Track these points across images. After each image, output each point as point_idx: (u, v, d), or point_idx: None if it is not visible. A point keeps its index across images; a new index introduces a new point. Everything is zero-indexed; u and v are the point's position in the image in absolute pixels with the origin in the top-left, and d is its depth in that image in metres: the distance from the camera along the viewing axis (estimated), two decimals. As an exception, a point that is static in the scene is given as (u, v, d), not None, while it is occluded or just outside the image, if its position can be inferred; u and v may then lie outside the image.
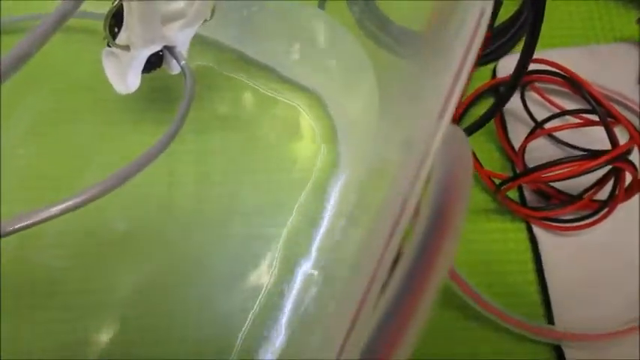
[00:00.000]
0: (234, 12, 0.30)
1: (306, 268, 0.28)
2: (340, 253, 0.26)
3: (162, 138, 0.23)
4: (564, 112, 0.29)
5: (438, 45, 0.17)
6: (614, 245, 0.30)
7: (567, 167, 0.26)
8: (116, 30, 0.25)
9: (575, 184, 0.30)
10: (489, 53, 0.34)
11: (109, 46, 0.26)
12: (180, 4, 0.25)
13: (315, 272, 0.28)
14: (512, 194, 0.31)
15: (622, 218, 0.29)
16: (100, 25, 0.25)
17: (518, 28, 0.34)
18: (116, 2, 0.24)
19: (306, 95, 0.31)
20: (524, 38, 0.34)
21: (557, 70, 0.28)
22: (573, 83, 0.27)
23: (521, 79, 0.23)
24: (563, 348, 0.28)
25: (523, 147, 0.30)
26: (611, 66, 0.34)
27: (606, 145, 0.27)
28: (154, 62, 0.26)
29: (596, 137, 0.30)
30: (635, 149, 0.26)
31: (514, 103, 0.31)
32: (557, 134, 0.31)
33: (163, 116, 0.31)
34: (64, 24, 0.19)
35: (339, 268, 0.24)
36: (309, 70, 0.30)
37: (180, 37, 0.26)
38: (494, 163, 0.32)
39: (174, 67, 0.27)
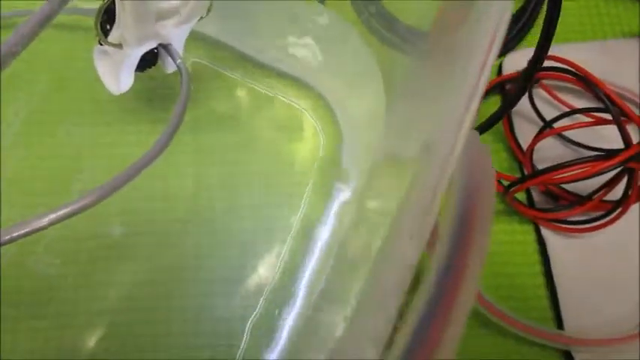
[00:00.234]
0: (231, 7, 0.29)
1: (308, 274, 0.27)
2: (347, 257, 0.25)
3: (159, 139, 0.22)
4: (575, 111, 0.28)
5: (453, 45, 0.16)
6: (625, 247, 0.29)
7: (580, 168, 0.25)
8: (108, 27, 0.24)
9: (583, 185, 0.29)
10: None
11: (101, 44, 0.25)
12: (176, 1, 0.24)
13: (318, 278, 0.27)
14: (520, 195, 0.31)
15: (633, 219, 0.28)
16: (91, 22, 0.24)
17: (523, 23, 0.33)
18: (108, -2, 0.23)
19: (306, 94, 0.29)
20: (531, 34, 0.34)
21: (568, 67, 0.27)
22: (585, 80, 0.26)
23: (534, 76, 0.22)
24: (572, 353, 0.28)
25: (531, 148, 0.29)
26: (619, 62, 0.33)
27: (614, 144, 0.26)
28: (148, 60, 0.25)
29: (603, 136, 0.30)
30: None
31: (521, 101, 0.30)
32: (565, 133, 0.30)
33: (159, 116, 0.29)
34: (50, 22, 0.18)
35: (346, 275, 0.24)
36: (311, 67, 0.29)
37: (176, 34, 0.25)
38: (502, 164, 0.31)
39: (169, 65, 0.26)
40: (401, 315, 0.12)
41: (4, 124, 0.29)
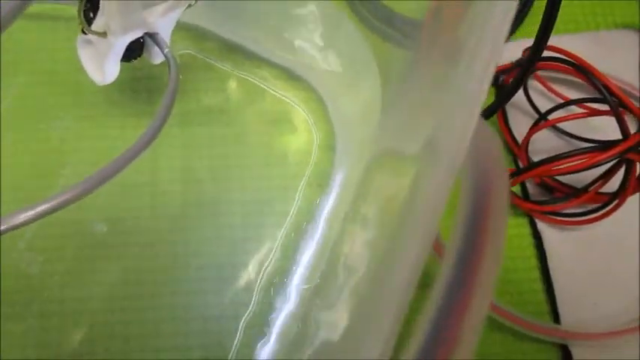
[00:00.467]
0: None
1: (301, 271, 0.26)
2: (343, 254, 0.24)
3: (146, 132, 0.22)
4: (572, 102, 0.28)
5: (453, 43, 0.15)
6: (621, 239, 0.29)
7: (577, 160, 0.25)
8: (92, 15, 0.23)
9: (578, 177, 0.29)
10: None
11: (85, 33, 0.24)
12: (163, -13, 0.23)
13: (312, 275, 0.26)
14: (515, 187, 0.30)
15: (628, 211, 0.28)
16: (73, 11, 0.23)
17: (518, 13, 0.33)
18: (91, -16, 0.22)
19: (298, 86, 0.29)
20: (524, 24, 0.33)
21: (566, 57, 0.26)
22: (583, 71, 0.26)
23: (533, 67, 0.22)
24: (569, 347, 0.27)
25: (527, 140, 0.28)
26: (612, 53, 0.33)
27: (607, 135, 0.26)
28: (134, 50, 0.24)
29: (596, 127, 0.29)
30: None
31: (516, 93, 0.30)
32: (560, 125, 0.30)
33: (145, 108, 0.28)
34: (24, 10, 0.17)
35: (342, 272, 0.23)
36: (303, 59, 0.28)
37: (163, 22, 0.24)
38: (496, 156, 0.31)
39: (156, 56, 0.25)
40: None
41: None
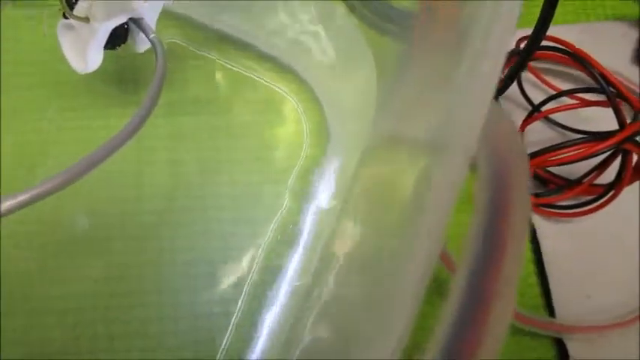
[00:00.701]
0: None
1: (293, 267, 0.26)
2: (337, 250, 0.23)
3: (131, 121, 0.21)
4: (566, 92, 0.28)
5: (453, 40, 0.15)
6: (615, 232, 0.29)
7: (574, 150, 0.24)
8: (74, -1, 0.22)
9: (570, 169, 0.28)
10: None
11: (66, 17, 0.23)
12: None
13: (305, 271, 0.25)
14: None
15: (622, 203, 0.28)
16: (54, -3, 0.22)
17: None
18: (73, -34, 0.21)
19: (289, 77, 0.28)
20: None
21: (563, 47, 0.26)
22: (580, 60, 0.25)
23: (532, 56, 0.21)
24: (565, 341, 0.27)
25: (521, 132, 0.28)
26: (603, 44, 0.33)
27: (601, 126, 0.25)
28: (118, 36, 0.23)
29: (587, 118, 0.29)
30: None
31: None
32: (553, 116, 0.30)
33: (129, 98, 0.27)
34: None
35: (336, 268, 0.22)
36: (295, 49, 0.27)
37: (148, 7, 0.23)
38: (489, 148, 0.30)
39: (141, 43, 0.24)
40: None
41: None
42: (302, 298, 0.24)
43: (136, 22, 0.23)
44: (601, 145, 0.23)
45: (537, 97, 0.30)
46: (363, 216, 0.22)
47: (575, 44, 0.28)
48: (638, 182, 0.26)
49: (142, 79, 0.28)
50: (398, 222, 0.16)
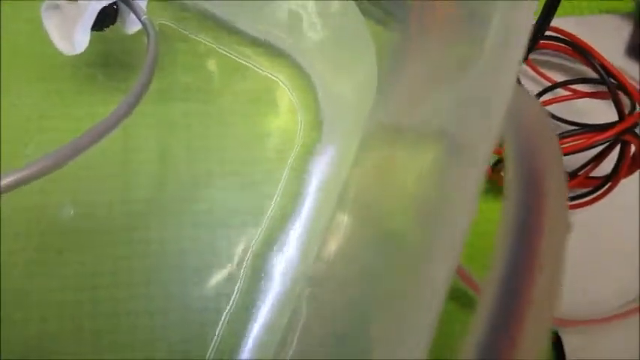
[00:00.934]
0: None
1: (287, 259, 0.25)
2: (334, 243, 0.23)
3: (121, 105, 0.20)
4: (562, 84, 0.27)
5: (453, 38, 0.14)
6: (610, 225, 0.29)
7: (573, 141, 0.24)
8: (60, -24, 0.21)
9: (565, 162, 0.28)
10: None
11: (51, -5, 0.21)
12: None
13: (300, 264, 0.24)
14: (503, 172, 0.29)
15: (617, 195, 0.28)
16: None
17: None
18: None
19: (284, 63, 0.27)
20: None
21: (564, 37, 0.26)
22: (581, 51, 0.25)
23: (536, 45, 0.21)
24: (560, 334, 0.27)
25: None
26: (597, 37, 0.33)
27: (594, 118, 0.25)
28: (106, 17, 0.22)
29: (579, 110, 0.29)
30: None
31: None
32: (549, 109, 0.29)
33: (117, 85, 0.26)
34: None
35: (334, 263, 0.21)
36: (292, 35, 0.27)
37: (139, -13, 0.22)
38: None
39: (131, 24, 0.23)
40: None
41: None
42: (299, 291, 0.24)
43: (126, 1, 0.22)
44: (601, 136, 0.23)
45: (532, 90, 0.29)
46: (356, 210, 0.22)
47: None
48: (635, 175, 0.26)
49: (130, 64, 0.26)
50: (397, 218, 0.15)
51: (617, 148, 0.25)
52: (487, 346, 0.08)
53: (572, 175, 0.28)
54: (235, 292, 0.24)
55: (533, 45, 0.22)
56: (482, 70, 0.11)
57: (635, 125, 0.23)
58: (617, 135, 0.23)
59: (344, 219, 0.24)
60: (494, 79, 0.10)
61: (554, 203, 0.09)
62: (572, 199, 0.28)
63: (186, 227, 0.25)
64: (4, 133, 0.25)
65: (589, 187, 0.28)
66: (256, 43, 0.27)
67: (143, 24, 0.22)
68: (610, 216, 0.29)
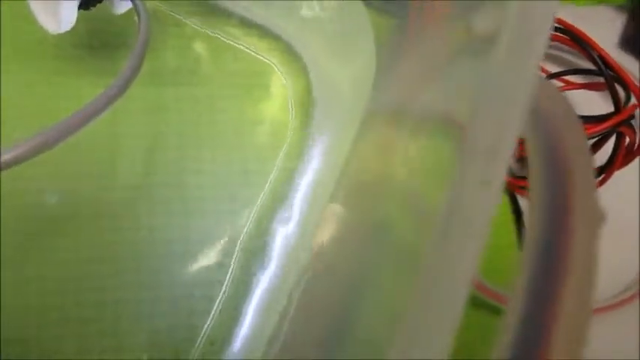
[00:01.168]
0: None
1: (278, 248, 0.24)
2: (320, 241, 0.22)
3: (108, 90, 0.19)
4: (556, 74, 0.27)
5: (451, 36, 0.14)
6: (610, 214, 0.29)
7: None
8: (46, -51, 0.20)
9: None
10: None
11: (36, -30, 0.20)
12: None
13: (293, 254, 0.24)
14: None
15: (611, 187, 0.28)
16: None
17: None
18: None
19: (277, 47, 0.26)
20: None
21: (563, 27, 0.25)
22: (580, 41, 0.25)
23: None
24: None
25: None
26: (590, 29, 0.33)
27: (586, 110, 0.25)
28: (94, -5, 0.21)
29: (575, 102, 0.29)
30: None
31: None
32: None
33: (104, 66, 0.25)
34: None
35: (329, 254, 0.21)
36: (287, 18, 0.26)
37: (129, -36, 0.21)
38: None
39: (119, 5, 0.22)
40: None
41: None
42: (293, 283, 0.23)
43: (116, -21, 0.21)
44: (598, 128, 0.23)
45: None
46: (350, 205, 0.21)
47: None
48: (633, 164, 0.26)
49: (117, 45, 0.25)
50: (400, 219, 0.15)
51: (612, 140, 0.25)
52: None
53: (565, 166, 0.28)
54: (226, 281, 0.24)
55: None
56: (502, 57, 0.11)
57: (631, 117, 0.23)
58: (613, 126, 0.23)
59: (338, 208, 0.23)
60: (516, 66, 0.10)
61: (585, 198, 0.08)
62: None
63: (176, 215, 0.25)
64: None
65: (582, 178, 0.28)
66: (249, 25, 0.26)
67: (134, 3, 0.21)
68: (606, 207, 0.29)
